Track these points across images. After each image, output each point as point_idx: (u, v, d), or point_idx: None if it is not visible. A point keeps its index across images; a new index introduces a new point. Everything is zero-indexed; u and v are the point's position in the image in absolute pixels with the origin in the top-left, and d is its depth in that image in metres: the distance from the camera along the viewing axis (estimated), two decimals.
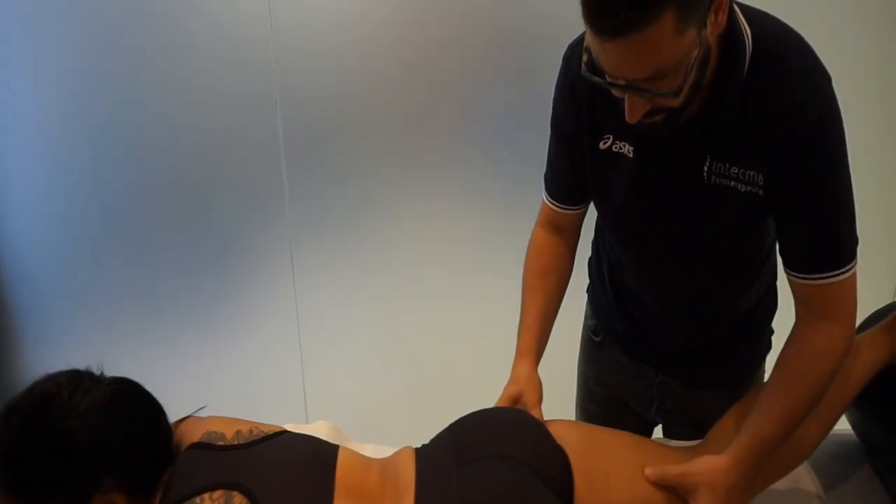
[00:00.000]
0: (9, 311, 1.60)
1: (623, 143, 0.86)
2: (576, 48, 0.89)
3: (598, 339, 1.13)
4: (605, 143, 0.88)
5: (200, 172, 1.54)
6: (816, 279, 0.81)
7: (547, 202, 1.01)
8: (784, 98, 0.75)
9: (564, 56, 0.91)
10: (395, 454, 0.89)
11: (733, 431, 0.92)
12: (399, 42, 1.47)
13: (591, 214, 1.02)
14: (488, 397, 0.97)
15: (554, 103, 0.93)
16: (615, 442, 0.92)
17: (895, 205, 1.56)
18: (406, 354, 1.70)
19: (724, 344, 1.01)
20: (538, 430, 0.88)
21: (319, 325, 1.67)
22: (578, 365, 1.21)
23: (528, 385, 0.96)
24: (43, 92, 1.47)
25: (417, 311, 1.67)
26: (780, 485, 0.99)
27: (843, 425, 1.06)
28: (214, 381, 1.68)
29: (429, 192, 1.60)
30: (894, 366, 0.97)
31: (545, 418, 0.93)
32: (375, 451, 1.03)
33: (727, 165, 0.81)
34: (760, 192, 0.81)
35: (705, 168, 0.82)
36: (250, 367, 1.68)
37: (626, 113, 0.73)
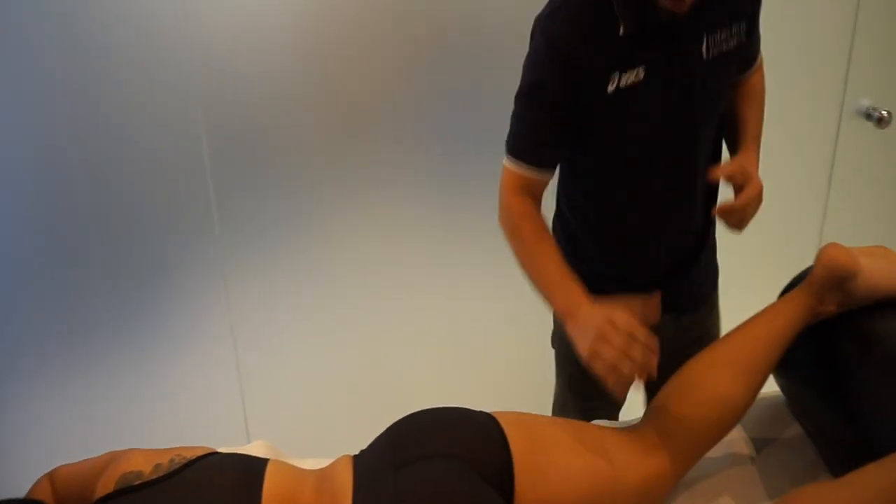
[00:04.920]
0: None
1: (630, 72, 0.94)
2: (552, 18, 0.94)
3: None
4: (612, 85, 0.94)
5: (124, 194, 1.48)
6: (758, 63, 1.10)
7: (522, 171, 1.01)
8: None
9: (543, 31, 0.94)
10: (333, 463, 0.88)
11: (669, 409, 0.96)
12: (328, 44, 1.43)
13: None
14: (433, 404, 0.96)
15: (537, 78, 0.96)
16: (559, 434, 0.91)
17: (816, 173, 1.63)
18: (350, 366, 1.68)
19: (703, 256, 1.16)
20: (477, 425, 0.88)
21: (257, 341, 1.63)
22: (559, 357, 1.23)
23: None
24: None
25: (360, 321, 1.65)
26: (714, 451, 1.02)
27: (772, 388, 1.11)
28: (148, 408, 1.62)
29: (363, 203, 1.57)
30: (816, 325, 1.01)
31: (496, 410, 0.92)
32: (315, 464, 1.01)
33: (718, 34, 0.97)
34: (743, 38, 1.01)
35: (703, 48, 0.96)
36: (186, 391, 1.63)
37: None
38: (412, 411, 0.91)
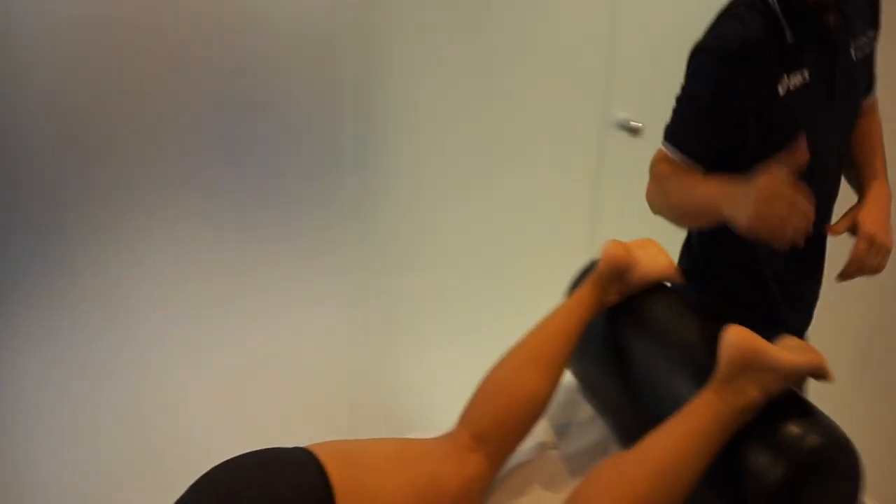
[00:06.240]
0: None
1: (796, 73, 1.01)
2: (722, 30, 1.01)
3: None
4: (782, 88, 1.01)
5: None
6: (873, 97, 1.19)
7: (676, 156, 1.06)
8: None
9: (713, 43, 1.01)
10: None
11: (483, 412, 0.98)
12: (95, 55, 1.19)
13: None
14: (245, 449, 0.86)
15: (706, 87, 1.03)
16: (378, 455, 0.90)
17: (584, 179, 1.81)
18: (143, 420, 1.44)
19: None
20: (291, 462, 0.82)
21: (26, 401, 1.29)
22: None
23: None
24: None
25: (150, 364, 1.42)
26: (524, 444, 1.06)
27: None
28: None
29: (138, 229, 1.35)
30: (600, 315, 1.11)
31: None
32: None
33: (857, 38, 1.07)
34: (874, 45, 1.10)
35: (852, 49, 1.06)
36: None
37: None
38: (222, 461, 0.83)
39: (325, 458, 0.83)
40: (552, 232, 1.76)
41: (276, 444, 0.88)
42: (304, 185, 1.48)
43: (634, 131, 1.65)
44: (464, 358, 1.59)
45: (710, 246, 1.19)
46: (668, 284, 1.17)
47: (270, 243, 1.48)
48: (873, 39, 1.13)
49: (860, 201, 1.15)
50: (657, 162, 1.09)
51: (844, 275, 1.08)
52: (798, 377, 0.85)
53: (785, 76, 1.03)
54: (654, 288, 1.13)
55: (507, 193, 1.68)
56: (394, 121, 1.53)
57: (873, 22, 1.13)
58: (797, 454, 0.79)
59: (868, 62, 1.13)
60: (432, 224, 1.64)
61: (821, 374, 0.86)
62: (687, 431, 0.83)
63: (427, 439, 0.98)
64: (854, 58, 1.09)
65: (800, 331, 1.23)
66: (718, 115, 1.05)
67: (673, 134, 1.09)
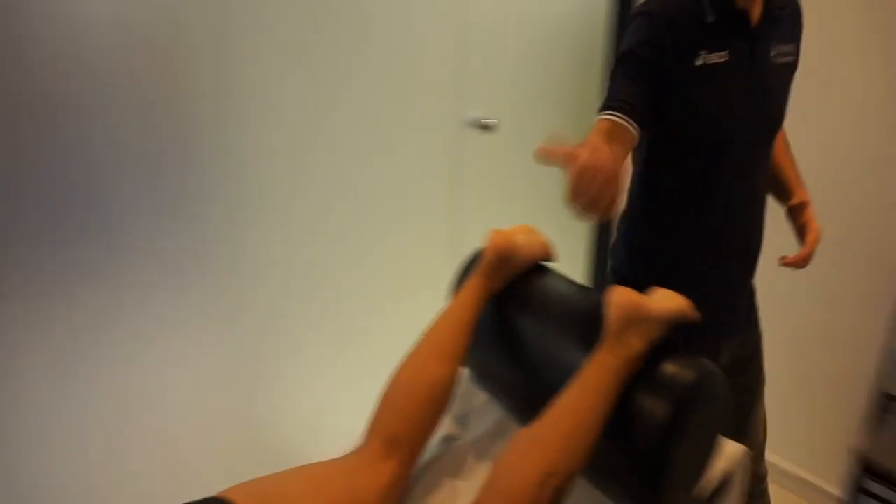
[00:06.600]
0: None
1: (716, 53, 1.11)
2: (652, 3, 1.10)
3: None
4: (699, 60, 1.10)
5: None
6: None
7: (612, 118, 1.08)
8: None
9: (643, 11, 1.11)
10: None
11: (391, 415, 0.98)
12: None
13: None
14: None
15: (633, 45, 1.11)
16: (293, 484, 0.87)
17: (445, 175, 1.86)
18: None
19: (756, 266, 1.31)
20: None
21: None
22: None
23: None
24: None
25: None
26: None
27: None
28: None
29: None
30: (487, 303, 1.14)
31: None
32: None
33: (781, 46, 1.17)
34: (796, 58, 1.21)
35: (771, 53, 1.16)
36: None
37: None
38: None
39: (240, 501, 0.78)
40: (417, 233, 1.79)
41: (173, 500, 0.80)
42: (163, 215, 1.36)
43: (488, 128, 1.74)
44: (344, 374, 1.56)
45: (636, 264, 1.28)
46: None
47: (128, 281, 1.34)
48: (795, 54, 1.23)
49: (799, 202, 1.32)
50: (589, 137, 1.09)
51: (795, 263, 1.26)
52: (672, 322, 0.95)
53: (704, 52, 1.13)
54: (533, 268, 1.19)
55: (370, 200, 1.68)
56: (252, 138, 1.47)
57: (797, 38, 1.24)
58: (677, 390, 0.88)
59: (789, 74, 1.23)
60: (297, 241, 1.59)
61: (688, 316, 0.96)
62: (586, 394, 0.88)
63: (336, 459, 0.96)
64: (773, 59, 1.18)
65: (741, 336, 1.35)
66: (648, 69, 1.11)
67: (608, 98, 1.13)
